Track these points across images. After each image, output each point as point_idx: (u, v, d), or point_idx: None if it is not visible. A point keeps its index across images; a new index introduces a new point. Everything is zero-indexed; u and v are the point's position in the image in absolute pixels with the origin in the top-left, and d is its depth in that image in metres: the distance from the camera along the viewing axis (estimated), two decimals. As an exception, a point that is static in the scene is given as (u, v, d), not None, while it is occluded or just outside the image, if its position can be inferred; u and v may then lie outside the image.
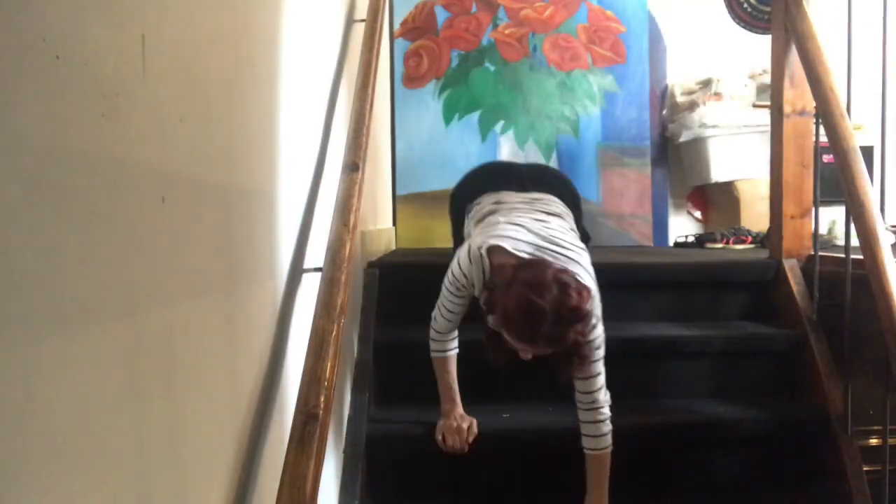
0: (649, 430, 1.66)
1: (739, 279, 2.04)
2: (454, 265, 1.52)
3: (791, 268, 1.94)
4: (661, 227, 3.38)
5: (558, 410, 1.70)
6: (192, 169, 0.78)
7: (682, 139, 3.29)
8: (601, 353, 1.47)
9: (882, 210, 1.52)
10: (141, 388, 0.65)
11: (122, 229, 0.62)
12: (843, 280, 1.66)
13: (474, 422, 1.57)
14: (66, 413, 0.52)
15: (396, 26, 3.25)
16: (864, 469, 1.62)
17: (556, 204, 1.76)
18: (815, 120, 1.80)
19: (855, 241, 1.51)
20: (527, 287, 1.29)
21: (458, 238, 1.90)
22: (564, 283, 1.31)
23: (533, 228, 1.52)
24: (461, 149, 3.21)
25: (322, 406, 0.92)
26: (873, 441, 1.78)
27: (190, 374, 0.77)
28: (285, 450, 0.88)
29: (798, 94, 1.93)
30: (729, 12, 2.66)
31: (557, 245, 1.49)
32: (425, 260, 2.19)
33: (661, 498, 1.63)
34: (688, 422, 1.68)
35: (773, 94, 2.00)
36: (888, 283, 1.35)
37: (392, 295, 1.98)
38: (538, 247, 1.46)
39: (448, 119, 3.25)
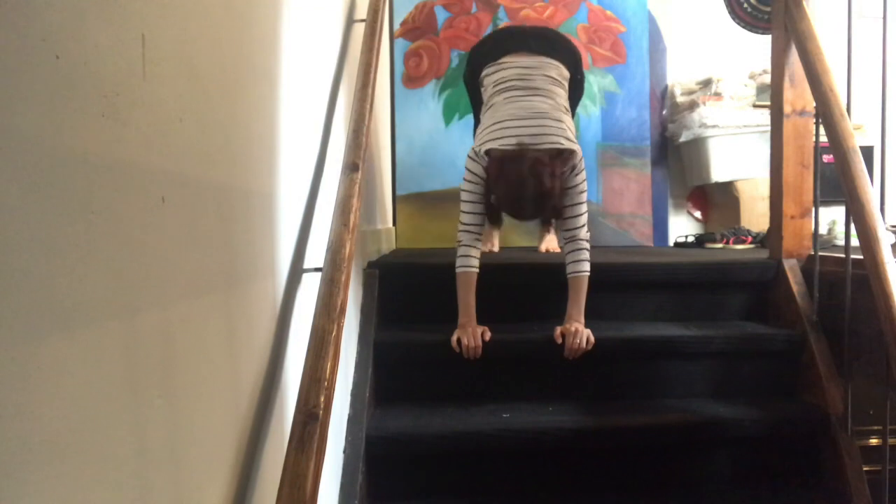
0: (649, 430, 1.66)
1: (739, 279, 2.04)
2: (466, 167, 1.89)
3: (791, 268, 1.94)
4: (661, 227, 3.38)
5: (558, 410, 1.71)
6: (192, 169, 0.78)
7: (682, 139, 3.29)
8: (584, 197, 1.86)
9: (882, 210, 1.52)
10: (141, 388, 0.65)
11: (122, 229, 0.62)
12: (843, 280, 1.66)
13: (486, 329, 1.78)
14: (66, 413, 0.52)
15: (396, 26, 3.25)
16: (864, 469, 1.62)
17: (557, 69, 2.03)
18: (815, 120, 1.80)
19: (855, 241, 1.51)
20: (510, 184, 1.74)
21: (476, 103, 2.28)
22: (538, 172, 1.71)
23: (522, 115, 1.86)
24: (461, 149, 3.20)
25: (322, 406, 0.92)
26: (873, 441, 1.78)
27: (190, 374, 0.77)
28: (285, 450, 0.88)
29: (798, 94, 1.93)
30: (729, 12, 2.66)
31: (542, 121, 1.83)
32: (425, 260, 2.19)
33: (660, 498, 1.63)
34: (688, 422, 1.68)
35: (773, 94, 2.00)
36: (888, 283, 1.35)
37: (392, 295, 1.98)
38: (521, 136, 1.79)
39: (448, 119, 3.25)
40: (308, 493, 0.83)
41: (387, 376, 1.77)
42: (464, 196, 1.87)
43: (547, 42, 2.12)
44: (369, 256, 2.10)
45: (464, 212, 1.87)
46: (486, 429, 1.60)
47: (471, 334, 1.73)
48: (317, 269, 1.20)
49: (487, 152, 1.82)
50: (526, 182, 1.70)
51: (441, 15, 3.28)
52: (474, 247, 1.86)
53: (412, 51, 3.27)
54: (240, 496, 0.89)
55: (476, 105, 2.29)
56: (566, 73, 2.06)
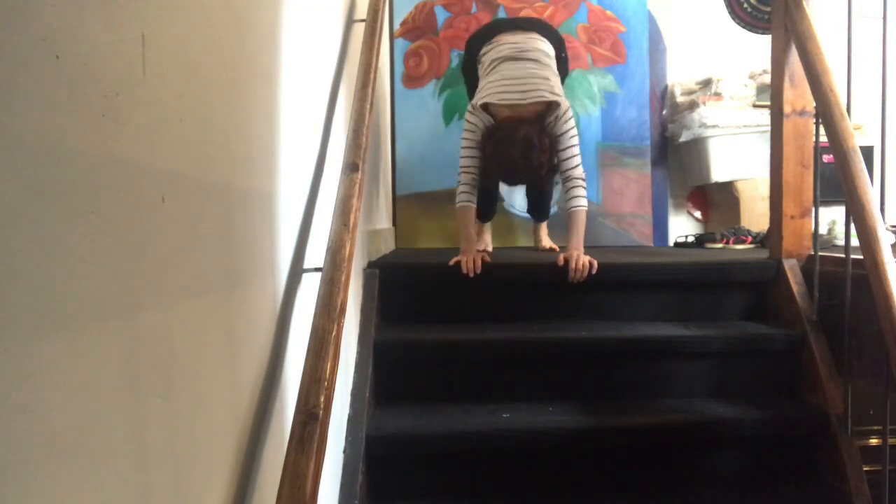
0: (649, 430, 1.67)
1: (739, 279, 2.04)
2: (465, 119, 2.20)
3: (791, 268, 1.94)
4: (661, 227, 3.38)
5: (558, 410, 1.71)
6: (192, 169, 0.78)
7: (682, 139, 3.29)
8: (575, 141, 2.13)
9: (882, 210, 1.52)
10: (141, 388, 0.65)
11: (122, 229, 0.62)
12: (843, 280, 1.66)
13: (486, 255, 2.03)
14: (66, 413, 0.52)
15: (396, 26, 3.25)
16: (864, 469, 1.62)
17: (545, 43, 2.35)
18: (815, 120, 1.80)
19: (855, 241, 1.51)
20: (504, 150, 2.04)
21: (472, 87, 2.48)
22: (531, 142, 2.01)
23: (515, 76, 2.18)
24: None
25: (322, 406, 0.92)
26: (873, 441, 1.78)
27: (190, 374, 0.77)
28: (285, 450, 0.88)
29: (798, 94, 1.93)
30: (729, 12, 2.65)
31: (531, 79, 2.15)
32: (425, 260, 2.19)
33: (660, 498, 1.63)
34: (688, 422, 1.68)
35: (773, 94, 2.00)
36: (888, 283, 1.35)
37: (392, 295, 1.98)
38: (513, 92, 2.12)
39: (448, 119, 3.25)
40: (308, 493, 0.83)
41: (387, 376, 1.77)
42: (463, 144, 2.18)
43: (532, 23, 2.48)
44: (369, 256, 2.10)
45: (463, 157, 2.17)
46: (486, 429, 1.60)
47: (470, 259, 1.96)
48: (317, 269, 1.20)
49: (484, 106, 2.14)
50: (516, 150, 2.02)
51: (441, 15, 3.28)
52: (471, 185, 2.17)
53: (412, 51, 3.27)
54: (240, 496, 0.89)
55: (472, 89, 2.50)
56: (552, 51, 2.35)
